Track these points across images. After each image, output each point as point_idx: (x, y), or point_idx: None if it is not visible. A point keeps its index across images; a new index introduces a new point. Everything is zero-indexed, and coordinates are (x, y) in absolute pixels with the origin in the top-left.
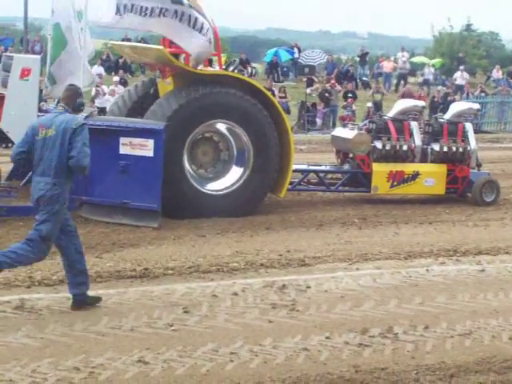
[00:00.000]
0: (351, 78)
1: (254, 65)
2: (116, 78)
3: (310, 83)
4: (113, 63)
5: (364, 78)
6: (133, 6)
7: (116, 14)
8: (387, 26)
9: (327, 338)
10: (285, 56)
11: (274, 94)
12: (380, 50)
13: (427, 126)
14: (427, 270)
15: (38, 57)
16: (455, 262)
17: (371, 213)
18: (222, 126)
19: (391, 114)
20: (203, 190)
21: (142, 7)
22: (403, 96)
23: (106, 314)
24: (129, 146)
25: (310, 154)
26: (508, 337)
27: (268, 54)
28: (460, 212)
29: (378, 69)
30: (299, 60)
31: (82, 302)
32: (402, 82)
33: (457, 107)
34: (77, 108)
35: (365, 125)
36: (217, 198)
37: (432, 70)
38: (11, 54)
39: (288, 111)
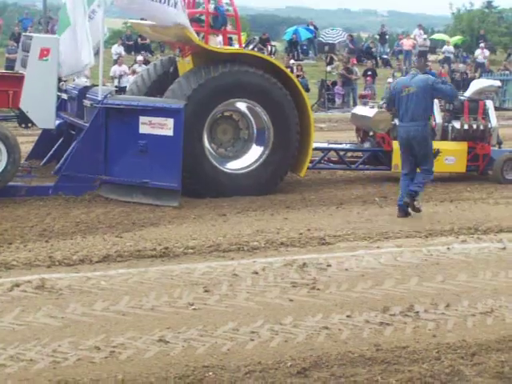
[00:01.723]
0: (371, 55)
1: (273, 43)
2: (140, 58)
3: (330, 61)
4: (132, 42)
5: (384, 56)
6: None
7: None
8: (407, 4)
9: (348, 316)
10: (304, 34)
11: (292, 72)
12: (400, 28)
13: (448, 104)
14: (448, 249)
15: (57, 37)
16: (476, 240)
17: (392, 191)
18: (241, 105)
19: None
20: (223, 169)
21: None
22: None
23: (127, 293)
24: (148, 126)
25: (330, 133)
26: None
27: (287, 33)
28: (481, 190)
29: (398, 47)
30: (319, 38)
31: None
32: (423, 59)
33: (478, 84)
34: (425, 72)
35: (385, 103)
36: (237, 176)
37: (451, 48)
38: (30, 34)
39: (307, 89)
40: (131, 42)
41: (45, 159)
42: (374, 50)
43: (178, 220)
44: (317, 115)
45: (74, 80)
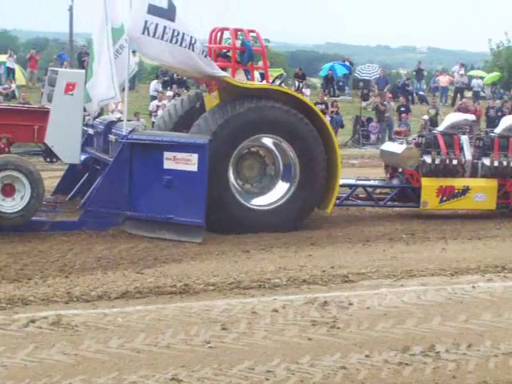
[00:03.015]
0: (407, 92)
1: (311, 79)
2: (169, 93)
3: (365, 98)
4: (168, 78)
5: (420, 93)
6: (164, 28)
7: (143, 33)
8: (447, 41)
9: (367, 356)
10: (340, 70)
11: (327, 108)
12: (440, 65)
13: (477, 140)
14: (473, 287)
15: (83, 71)
16: (503, 279)
17: (420, 228)
18: (268, 141)
19: (441, 127)
20: (249, 205)
21: (173, 31)
22: (459, 110)
23: (143, 330)
24: (173, 161)
25: (361, 169)
26: None
27: (323, 69)
28: (510, 227)
29: (435, 83)
30: (355, 74)
31: None
32: (459, 95)
33: (508, 121)
34: None
35: (414, 139)
36: (262, 213)
37: (480, 82)
38: (56, 69)
39: (342, 125)
40: (167, 78)
41: (70, 194)
42: (410, 87)
43: (200, 256)
44: (350, 151)
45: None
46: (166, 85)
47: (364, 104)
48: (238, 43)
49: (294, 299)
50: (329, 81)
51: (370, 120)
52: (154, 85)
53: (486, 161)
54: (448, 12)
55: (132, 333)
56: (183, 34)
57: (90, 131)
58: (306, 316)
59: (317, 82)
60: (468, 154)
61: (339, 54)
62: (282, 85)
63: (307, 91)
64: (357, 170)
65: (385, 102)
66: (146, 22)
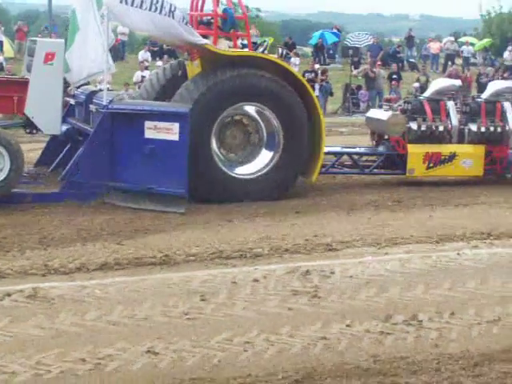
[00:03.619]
0: (398, 59)
1: (304, 48)
2: (159, 63)
3: (357, 65)
4: (158, 48)
5: (411, 60)
6: None
7: (121, 2)
8: (440, 8)
9: (348, 326)
10: (330, 38)
11: (316, 76)
12: (433, 32)
13: (464, 106)
14: (458, 254)
15: (62, 41)
16: (488, 246)
17: (406, 195)
18: (251, 109)
19: (427, 93)
20: (232, 174)
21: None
22: (449, 77)
23: (121, 302)
24: (154, 130)
25: (349, 137)
26: None
27: (313, 37)
28: (498, 194)
29: (425, 50)
30: (345, 42)
31: None
32: (450, 62)
33: (495, 86)
34: None
35: (400, 105)
36: (246, 182)
37: (470, 49)
38: (35, 39)
39: (331, 93)
40: (156, 48)
41: (52, 165)
42: (401, 54)
43: (182, 227)
44: (340, 119)
45: (96, 86)
46: (155, 55)
47: (355, 72)
48: (220, 10)
49: (276, 269)
50: (319, 49)
51: (359, 88)
52: (142, 54)
53: (473, 126)
54: None
55: (110, 305)
56: (162, 1)
57: (72, 101)
58: (287, 286)
59: (309, 51)
60: (454, 119)
61: (332, 22)
62: (265, 52)
63: (296, 60)
64: (345, 137)
65: (374, 69)
66: None
